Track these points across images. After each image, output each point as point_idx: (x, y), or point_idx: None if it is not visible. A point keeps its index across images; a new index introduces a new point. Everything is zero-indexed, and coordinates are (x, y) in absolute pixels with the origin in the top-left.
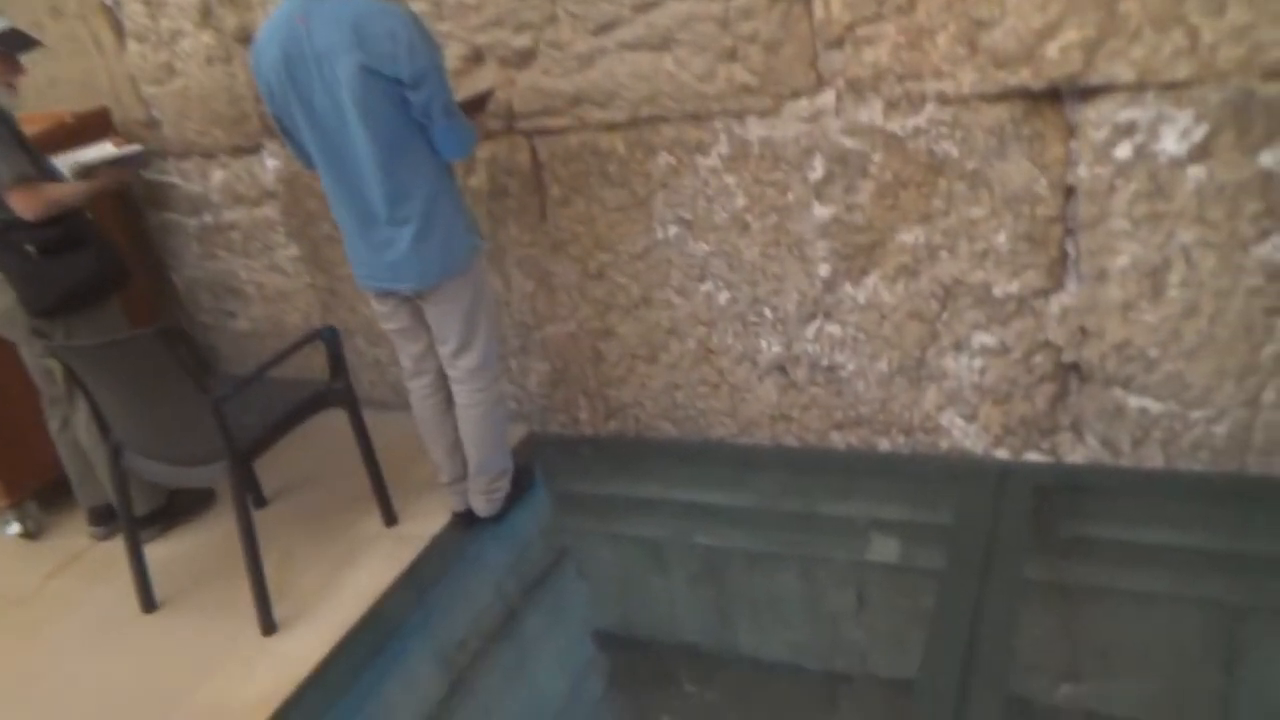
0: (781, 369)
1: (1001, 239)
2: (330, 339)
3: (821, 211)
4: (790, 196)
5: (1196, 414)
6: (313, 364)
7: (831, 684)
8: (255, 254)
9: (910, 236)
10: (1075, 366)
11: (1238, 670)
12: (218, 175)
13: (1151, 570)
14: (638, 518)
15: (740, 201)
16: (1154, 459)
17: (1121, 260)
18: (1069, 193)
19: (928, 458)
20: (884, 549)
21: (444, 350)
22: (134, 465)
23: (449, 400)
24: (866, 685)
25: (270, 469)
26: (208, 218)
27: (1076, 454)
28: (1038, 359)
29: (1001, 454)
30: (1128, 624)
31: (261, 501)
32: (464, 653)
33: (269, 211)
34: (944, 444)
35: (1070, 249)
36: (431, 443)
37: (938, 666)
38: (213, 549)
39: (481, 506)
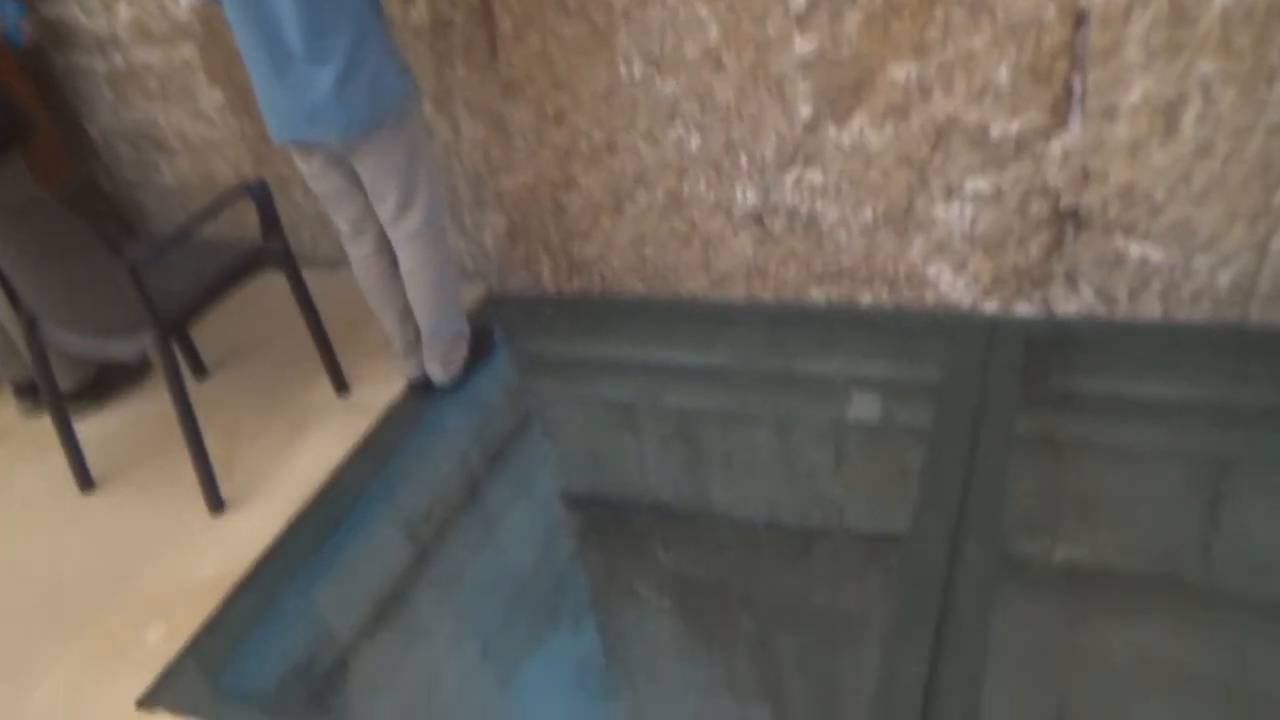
0: (758, 219)
1: (1002, 73)
2: (260, 194)
3: (804, 45)
4: (769, 28)
5: (1200, 261)
6: (249, 222)
7: (816, 543)
8: (175, 100)
9: (901, 72)
10: (1074, 213)
11: (1235, 523)
12: (124, 10)
13: (1147, 424)
14: (605, 380)
15: (713, 34)
16: (1151, 310)
17: (1132, 96)
18: (1080, 19)
19: (912, 311)
20: (867, 407)
21: (383, 211)
22: (52, 338)
23: (394, 263)
24: (853, 544)
25: (211, 337)
26: (118, 59)
27: (1069, 306)
28: (1034, 205)
29: (990, 306)
30: (1122, 479)
31: (202, 371)
32: (428, 525)
33: (186, 52)
34: (929, 297)
35: (1077, 84)
36: (380, 310)
37: (928, 524)
38: (152, 424)
39: (438, 374)
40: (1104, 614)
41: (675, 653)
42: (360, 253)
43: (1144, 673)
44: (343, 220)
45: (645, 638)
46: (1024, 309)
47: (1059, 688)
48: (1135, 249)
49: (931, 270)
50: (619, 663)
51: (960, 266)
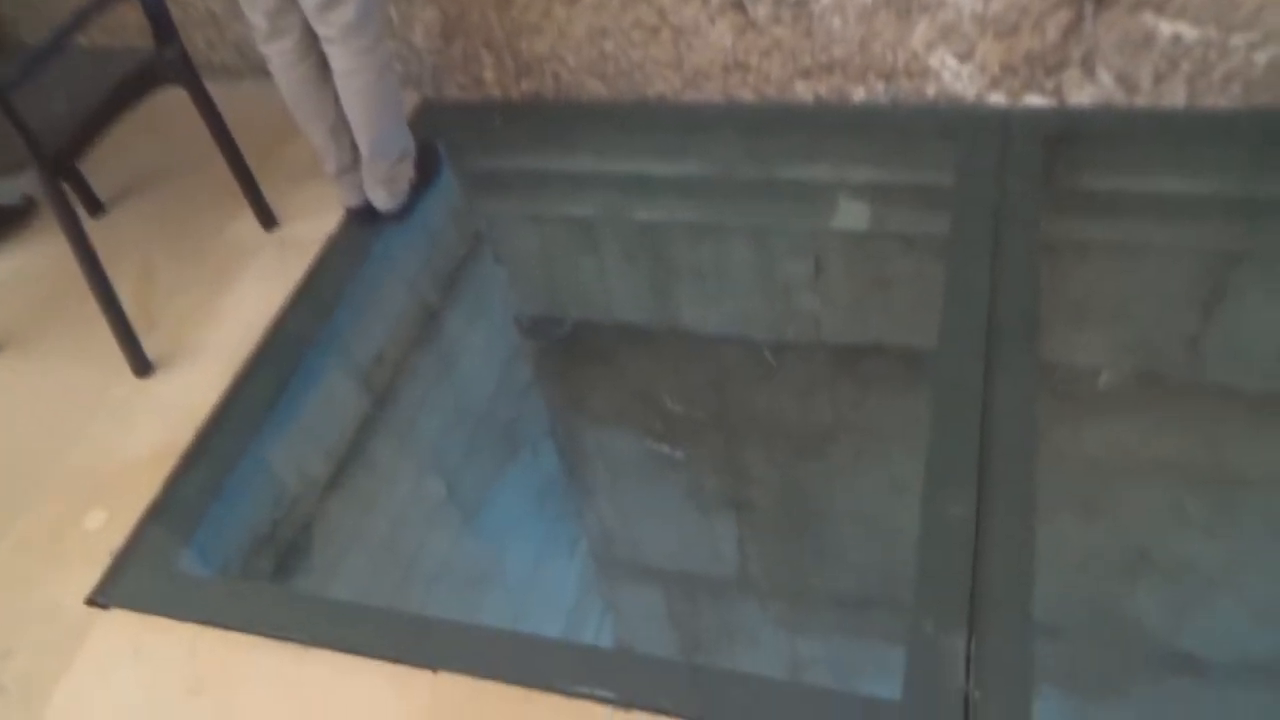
0: (738, 4)
1: None
2: None
3: None
4: None
5: (1238, 39)
6: (132, 24)
7: (834, 362)
8: None
9: None
10: None
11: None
12: None
13: (1177, 220)
14: (565, 196)
15: None
16: (1175, 96)
17: None
18: None
19: (911, 108)
20: (864, 215)
21: (308, 2)
22: None
23: (322, 67)
24: (876, 361)
25: (104, 167)
26: None
27: (1084, 94)
28: None
29: (996, 99)
30: (1154, 278)
31: (98, 208)
32: (382, 369)
33: None
34: (931, 89)
35: None
36: (307, 124)
37: (958, 337)
38: (47, 276)
39: (382, 199)
40: (1152, 420)
41: (692, 482)
42: (280, 53)
43: (1190, 474)
44: (258, 14)
45: (649, 464)
46: (1033, 100)
47: (1112, 497)
48: (1166, 27)
49: (935, 58)
50: (606, 489)
51: (967, 53)
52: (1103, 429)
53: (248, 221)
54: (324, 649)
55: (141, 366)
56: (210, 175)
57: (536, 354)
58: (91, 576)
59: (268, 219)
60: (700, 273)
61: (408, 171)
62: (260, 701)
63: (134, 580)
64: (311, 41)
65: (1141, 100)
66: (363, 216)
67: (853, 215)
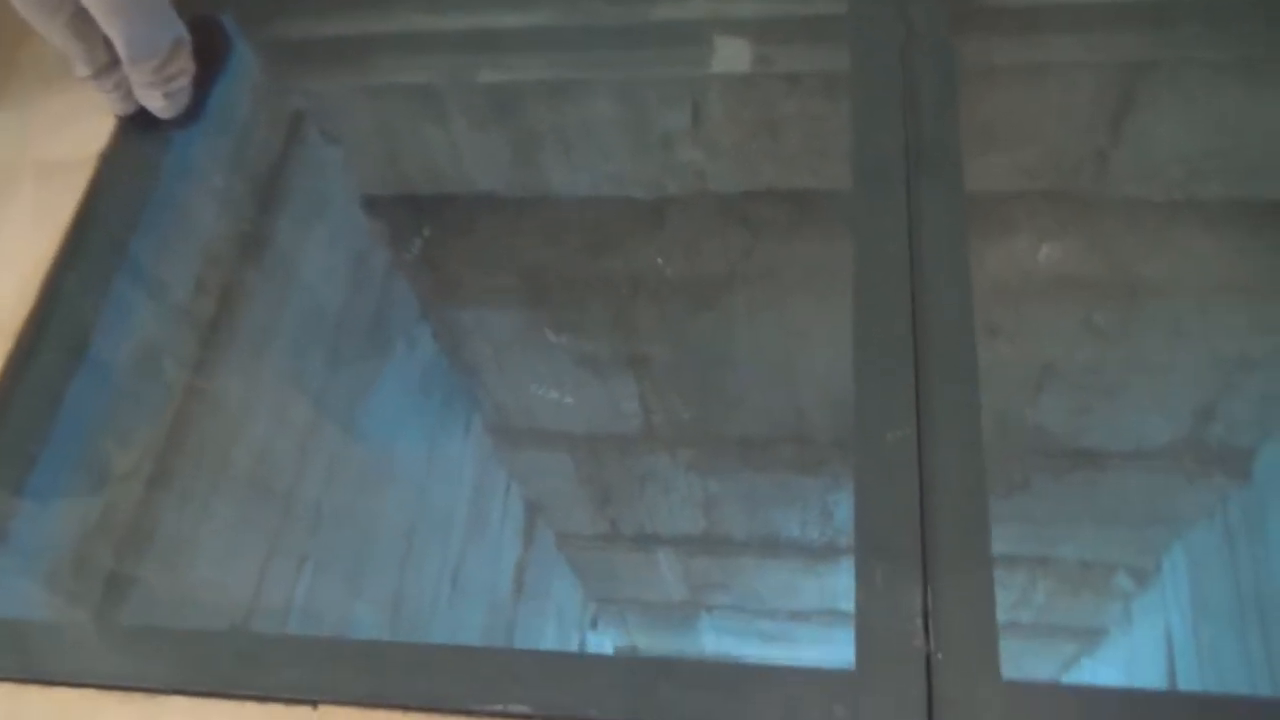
0: None
1: None
2: None
3: None
4: None
5: None
6: None
7: (729, 209)
8: None
9: None
10: None
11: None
12: None
13: (1090, 33)
14: (400, 59)
15: None
16: None
17: None
18: None
19: None
20: (749, 55)
21: None
22: None
23: None
24: (772, 204)
25: None
26: None
27: None
28: None
29: None
30: (1073, 93)
31: None
32: (205, 297)
33: None
34: None
35: None
36: (38, 19)
37: (877, 173)
38: None
39: (159, 104)
40: (1072, 238)
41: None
42: None
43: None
44: None
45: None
46: None
47: (1026, 315)
48: None
49: None
50: (494, 365)
51: None
52: (1027, 253)
53: None
54: (177, 695)
55: None
56: None
57: (392, 239)
58: None
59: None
60: (565, 134)
61: (184, 65)
62: None
63: None
64: None
65: None
66: (140, 124)
67: (732, 56)
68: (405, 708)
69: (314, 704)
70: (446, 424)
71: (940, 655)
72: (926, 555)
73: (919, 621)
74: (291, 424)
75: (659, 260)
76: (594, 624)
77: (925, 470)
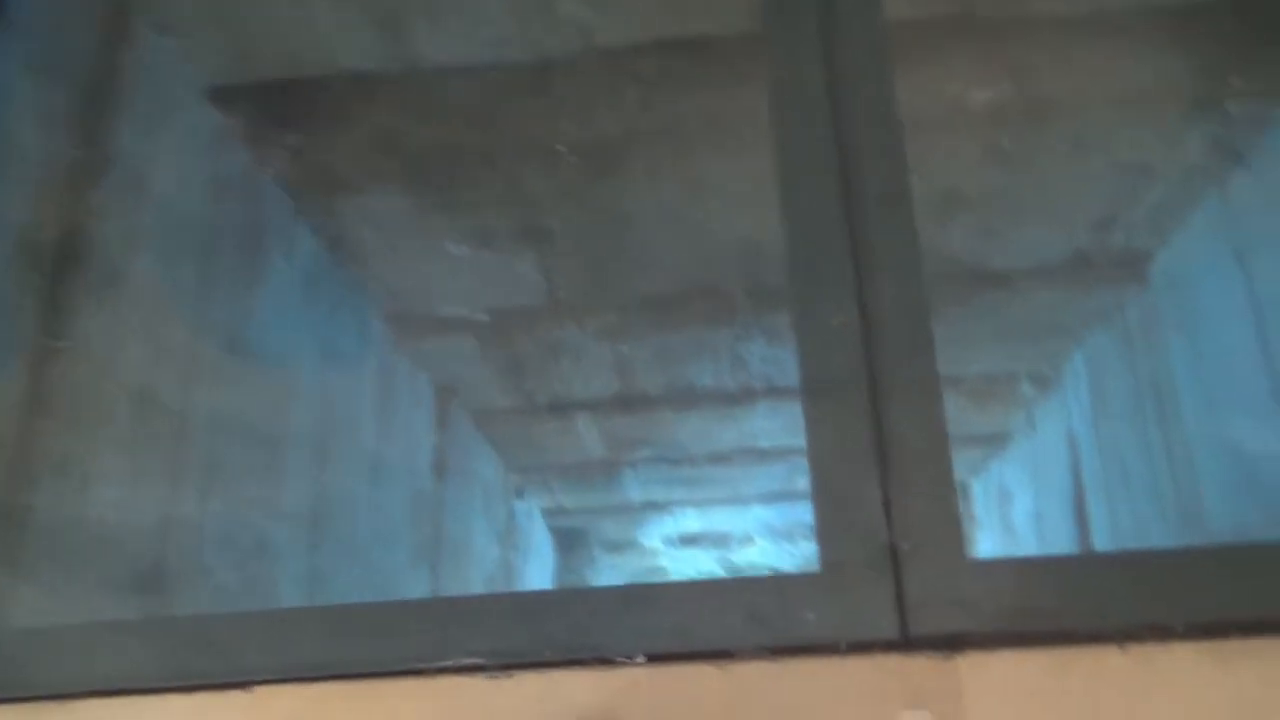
0: None
1: None
2: None
3: None
4: None
5: None
6: None
7: (619, 66)
8: None
9: None
10: None
11: None
12: None
13: None
14: None
15: None
16: None
17: None
18: None
19: None
20: None
21: None
22: None
23: None
24: (664, 56)
25: None
26: None
27: None
28: None
29: None
30: None
31: None
32: (47, 227)
33: None
34: None
35: None
36: None
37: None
38: None
39: None
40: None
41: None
42: None
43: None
44: None
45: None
46: None
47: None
48: None
49: None
50: (384, 252)
51: None
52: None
53: None
54: (84, 699)
55: None
56: None
57: (251, 135)
58: None
59: None
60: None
61: None
62: None
63: None
64: None
65: None
66: None
67: None
68: (350, 676)
69: (248, 686)
70: (341, 322)
71: (906, 545)
72: (883, 446)
73: (880, 514)
74: (174, 349)
75: (559, 149)
76: (519, 493)
77: (872, 358)
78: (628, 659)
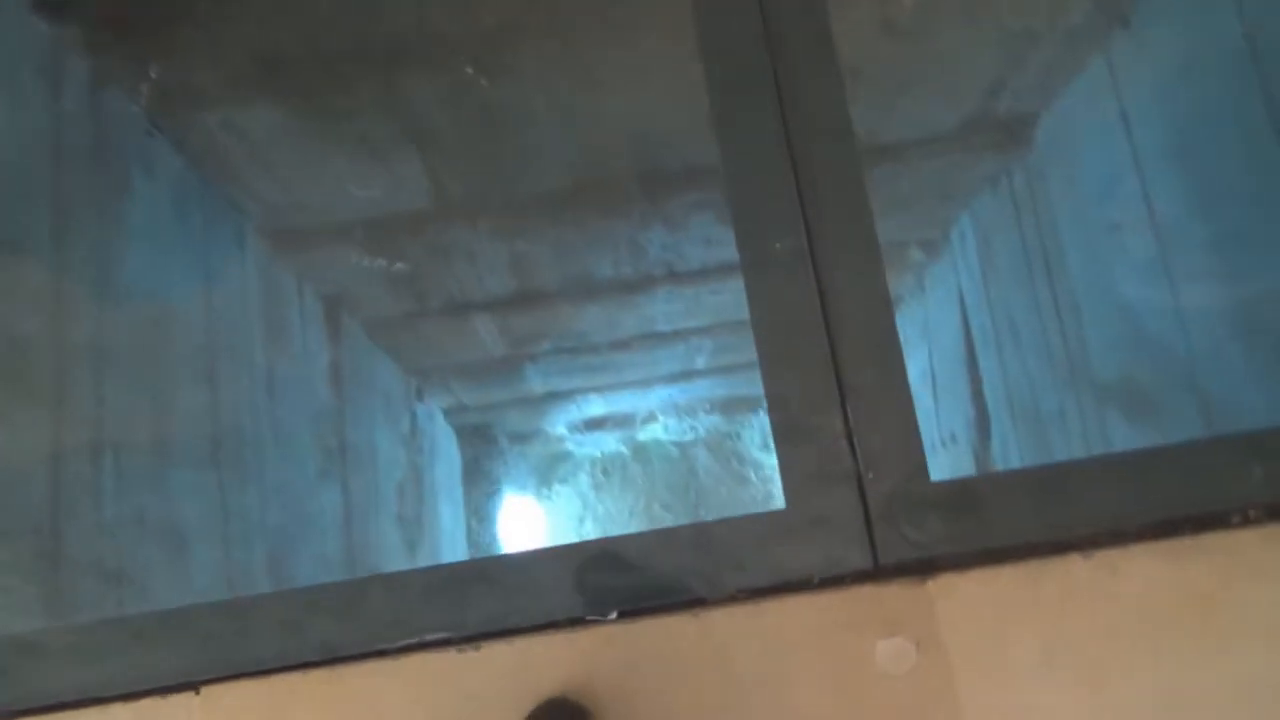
0: None
1: None
2: None
3: None
4: None
5: None
6: None
7: None
8: None
9: None
10: None
11: None
12: None
13: None
14: None
15: None
16: None
17: None
18: None
19: None
20: None
21: None
22: None
23: None
24: None
25: None
26: None
27: None
28: None
29: None
30: None
31: None
32: None
33: None
34: None
35: None
36: None
37: None
38: None
39: None
40: None
41: None
42: None
43: None
44: None
45: None
46: None
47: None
48: None
49: None
50: (256, 164)
51: None
52: None
53: None
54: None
55: None
56: None
57: (91, 45)
58: None
59: None
60: None
61: None
62: None
63: None
64: None
65: None
66: None
67: None
68: (307, 665)
69: (195, 688)
70: (217, 242)
71: (870, 474)
72: (839, 371)
73: (844, 443)
74: (35, 294)
75: (467, 70)
76: (420, 395)
77: (824, 283)
78: (600, 617)
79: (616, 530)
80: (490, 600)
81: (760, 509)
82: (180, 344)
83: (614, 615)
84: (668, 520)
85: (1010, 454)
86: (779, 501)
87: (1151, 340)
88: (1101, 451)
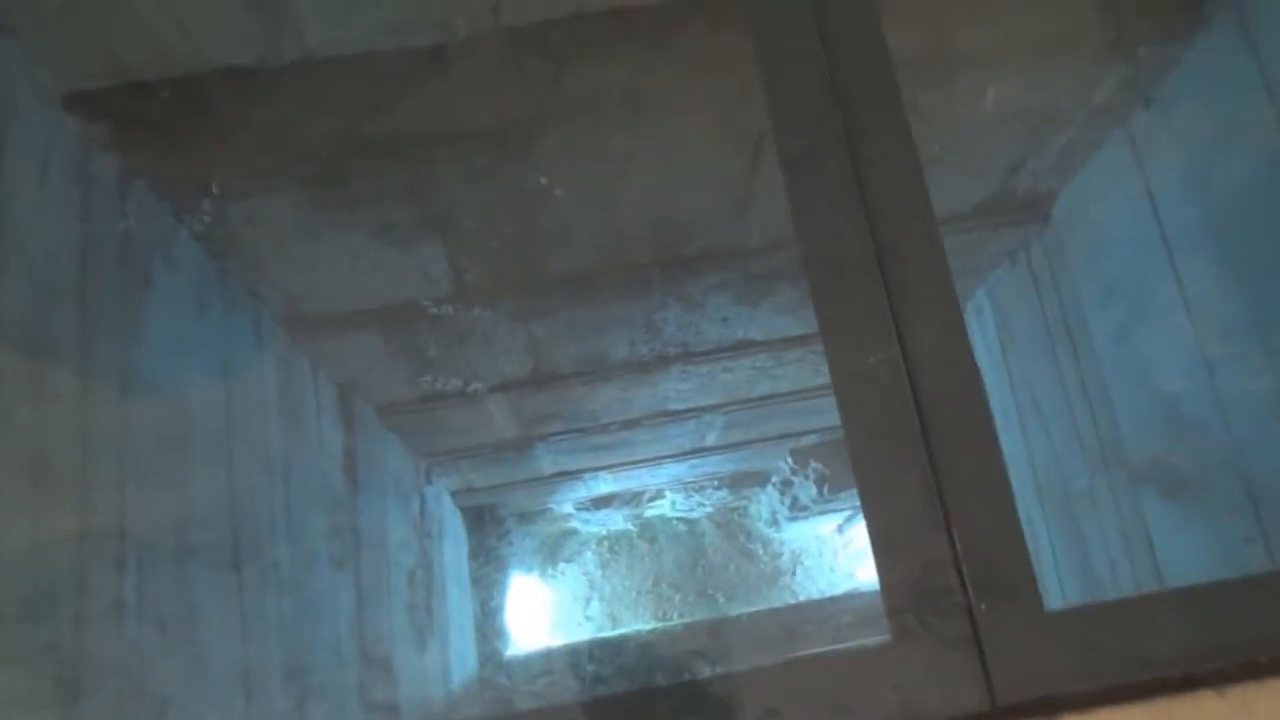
0: None
1: None
2: None
3: None
4: None
5: None
6: None
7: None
8: None
9: None
10: None
11: None
12: None
13: None
14: None
15: None
16: None
17: None
18: None
19: None
20: None
21: None
22: None
23: None
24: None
25: None
26: None
27: None
28: None
29: None
30: None
31: None
32: None
33: None
34: None
35: None
36: None
37: None
38: None
39: None
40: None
41: None
42: None
43: None
44: None
45: None
46: None
47: None
48: None
49: None
50: (275, 253)
51: None
52: None
53: None
54: None
55: None
56: None
57: (118, 142)
58: None
59: None
60: None
61: None
62: None
63: None
64: None
65: None
66: None
67: None
68: None
69: None
70: (236, 331)
71: (983, 605)
72: (942, 494)
73: (953, 573)
74: (59, 398)
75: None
76: (428, 478)
77: (920, 398)
78: None
79: (623, 610)
80: None
81: (771, 588)
82: (201, 441)
83: None
84: (675, 599)
85: (1038, 533)
86: (789, 577)
87: (1187, 419)
88: (1139, 532)
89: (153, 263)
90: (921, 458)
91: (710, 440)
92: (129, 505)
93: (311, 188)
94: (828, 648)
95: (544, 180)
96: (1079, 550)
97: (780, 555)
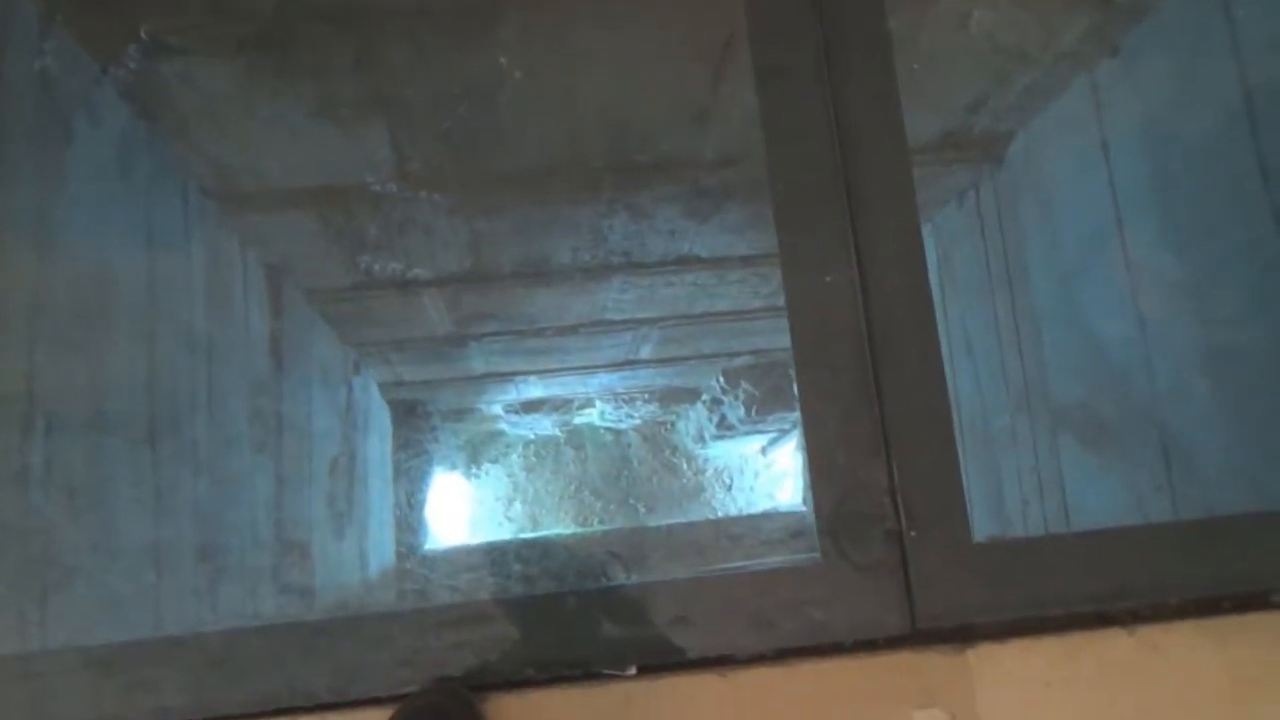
0: None
1: None
2: None
3: None
4: None
5: None
6: None
7: None
8: None
9: None
10: None
11: None
12: None
13: None
14: None
15: None
16: None
17: None
18: None
19: None
20: None
21: None
22: None
23: None
24: None
25: None
26: None
27: None
28: None
29: None
30: None
31: None
32: None
33: None
34: None
35: None
36: None
37: None
38: None
39: None
40: None
41: None
42: None
43: None
44: None
45: None
46: None
47: None
48: None
49: None
50: (201, 124)
51: None
52: None
53: None
54: None
55: None
56: None
57: None
58: None
59: None
60: None
61: None
62: None
63: None
64: None
65: None
66: None
67: None
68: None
69: None
70: (161, 201)
71: (913, 532)
72: (885, 425)
73: (887, 498)
74: None
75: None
76: (357, 369)
77: (873, 324)
78: (617, 672)
79: (545, 514)
80: (494, 648)
81: (692, 502)
82: (119, 309)
83: (633, 671)
84: (597, 507)
85: None
86: (711, 495)
87: (1114, 369)
88: (1053, 473)
89: (74, 114)
90: (868, 382)
91: (644, 353)
92: (39, 369)
93: (251, 52)
94: (744, 563)
95: (496, 69)
96: (993, 486)
97: (704, 471)
